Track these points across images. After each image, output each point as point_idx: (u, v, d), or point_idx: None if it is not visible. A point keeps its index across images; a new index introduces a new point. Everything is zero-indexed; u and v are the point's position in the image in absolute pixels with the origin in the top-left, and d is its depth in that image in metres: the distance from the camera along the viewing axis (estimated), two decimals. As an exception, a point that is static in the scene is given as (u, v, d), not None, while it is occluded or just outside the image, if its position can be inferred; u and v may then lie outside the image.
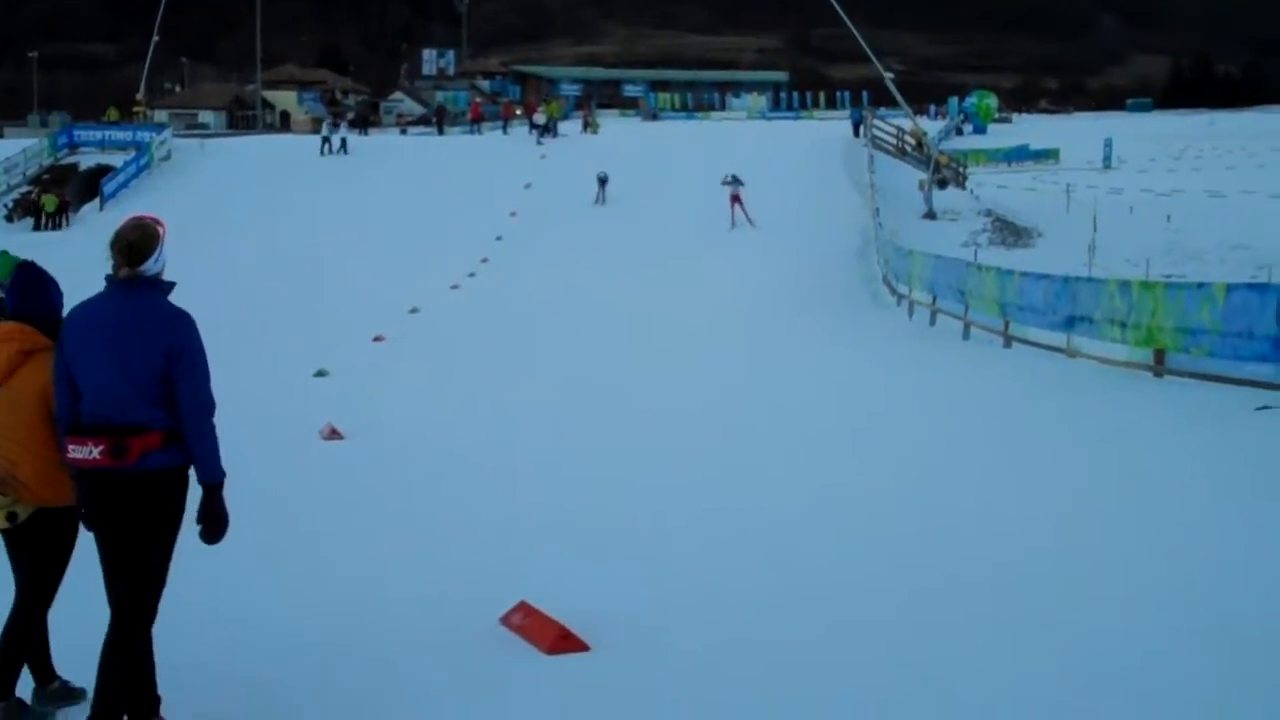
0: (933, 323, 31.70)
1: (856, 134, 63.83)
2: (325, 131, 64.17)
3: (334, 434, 16.13)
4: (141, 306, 6.00)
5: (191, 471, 6.05)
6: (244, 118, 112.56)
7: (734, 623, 8.11)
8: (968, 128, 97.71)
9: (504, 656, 7.48)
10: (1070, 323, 22.68)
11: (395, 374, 21.55)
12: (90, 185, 59.39)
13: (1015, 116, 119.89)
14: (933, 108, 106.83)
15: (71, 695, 6.72)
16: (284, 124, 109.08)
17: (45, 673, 6.76)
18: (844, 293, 37.76)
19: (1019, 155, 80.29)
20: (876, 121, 63.07)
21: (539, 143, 63.73)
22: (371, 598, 6.71)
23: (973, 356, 24.46)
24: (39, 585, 6.56)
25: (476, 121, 77.95)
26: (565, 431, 16.21)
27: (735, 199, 46.87)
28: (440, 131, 75.99)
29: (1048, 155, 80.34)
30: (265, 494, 10.15)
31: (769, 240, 38.98)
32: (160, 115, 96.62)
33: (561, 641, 7.57)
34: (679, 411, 17.91)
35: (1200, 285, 19.64)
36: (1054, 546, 9.80)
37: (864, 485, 12.31)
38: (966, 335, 28.25)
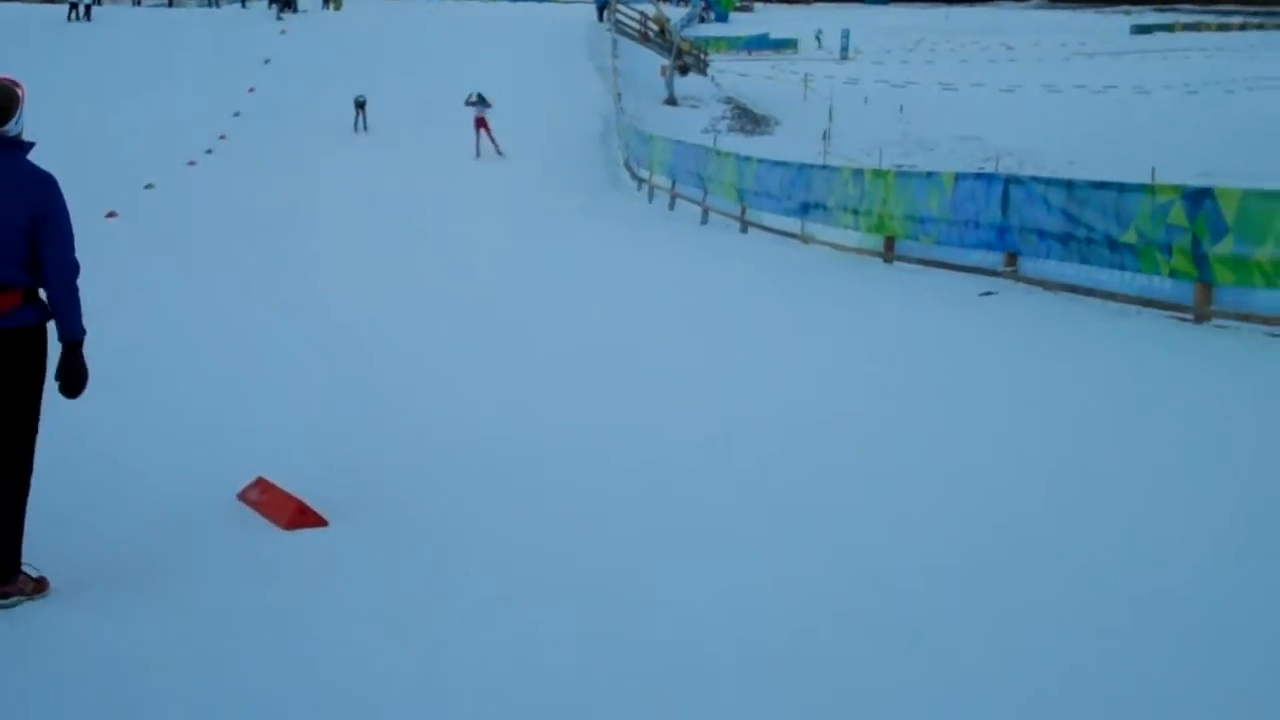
0: (672, 207, 32.05)
1: (601, 18, 63.65)
2: None
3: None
4: (6, 168, 6.07)
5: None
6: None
7: (471, 495, 8.19)
8: (710, 15, 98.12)
9: (241, 532, 7.42)
10: (805, 209, 23.15)
11: (129, 253, 21.02)
12: None
13: (756, 6, 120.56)
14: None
15: None
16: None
17: None
18: (586, 176, 37.86)
19: (759, 44, 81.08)
20: (620, 6, 62.99)
21: (279, 18, 62.23)
22: (106, 471, 6.61)
23: (711, 240, 24.85)
24: None
25: (215, -5, 75.82)
26: (314, 309, 15.98)
27: (481, 123, 41.01)
28: (170, 3, 73.64)
29: (787, 45, 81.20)
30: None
31: (514, 123, 38.76)
32: None
33: (299, 517, 7.52)
34: (429, 284, 17.84)
35: (929, 174, 20.20)
36: (786, 418, 10.05)
37: (605, 368, 12.47)
38: (705, 220, 28.64)
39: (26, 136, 6.28)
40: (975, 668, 5.50)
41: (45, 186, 6.13)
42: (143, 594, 6.47)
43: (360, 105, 43.50)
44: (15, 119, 6.16)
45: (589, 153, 41.28)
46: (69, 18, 60.54)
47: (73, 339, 6.22)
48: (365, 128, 42.98)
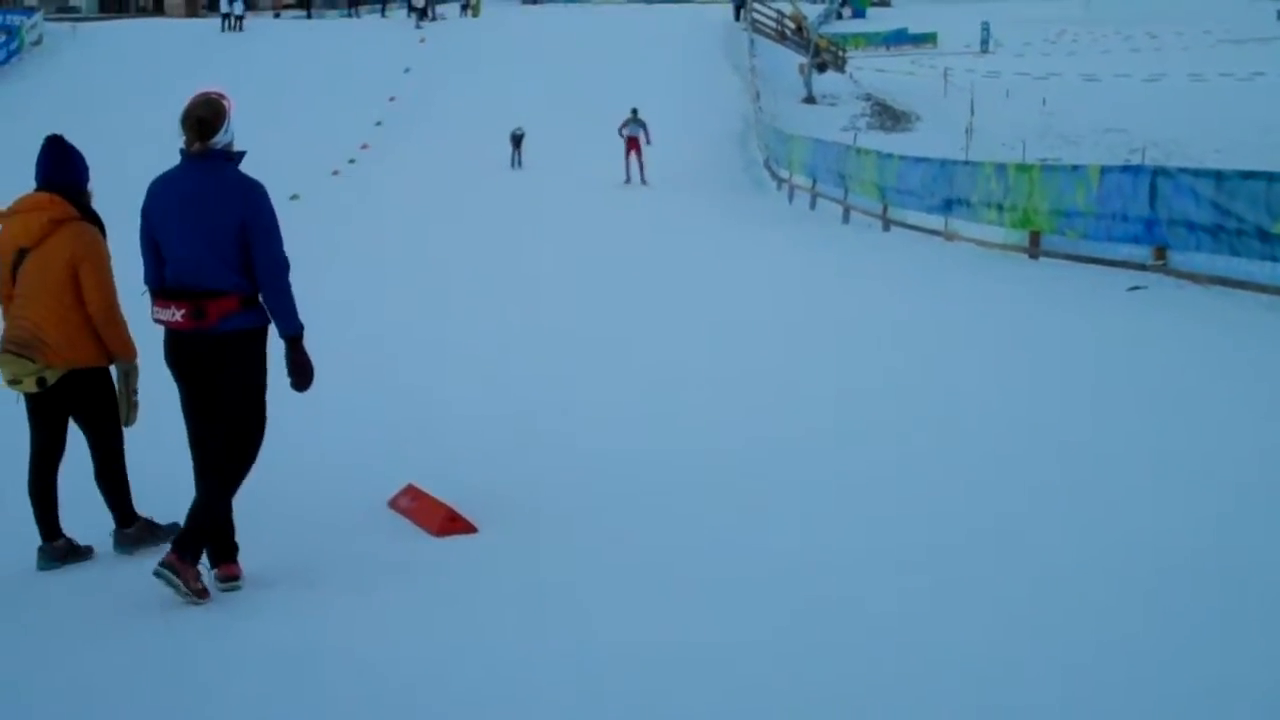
0: (813, 206, 31.94)
1: (737, 18, 63.49)
2: (224, 7, 63.38)
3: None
4: (216, 178, 6.43)
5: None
6: (116, 1, 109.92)
7: (620, 501, 8.22)
8: (847, 12, 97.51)
9: (392, 539, 7.53)
10: (948, 206, 22.96)
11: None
12: (-40, 71, 57.98)
13: (894, 0, 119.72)
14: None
15: (77, 553, 7.26)
16: (157, 7, 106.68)
17: (52, 530, 7.22)
18: (726, 177, 37.89)
19: (898, 39, 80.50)
20: (757, 5, 62.82)
21: (418, 26, 62.84)
22: (258, 481, 6.74)
23: (853, 239, 24.73)
24: (105, 437, 7.17)
25: (355, 4, 76.71)
26: (453, 317, 16.14)
27: (633, 145, 37.68)
28: (308, 15, 74.68)
29: (926, 39, 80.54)
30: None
31: (654, 126, 38.84)
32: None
33: (449, 523, 7.61)
34: (573, 290, 17.92)
35: (1075, 168, 19.93)
36: (935, 418, 9.99)
37: (757, 370, 12.45)
38: (846, 219, 28.51)
39: (236, 146, 6.56)
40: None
41: (253, 192, 6.44)
42: (300, 595, 6.61)
43: (517, 141, 40.71)
44: (223, 131, 6.46)
45: (729, 153, 41.28)
46: (222, 28, 62.23)
47: (292, 334, 6.51)
48: (520, 164, 40.47)
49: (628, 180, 37.28)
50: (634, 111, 37.99)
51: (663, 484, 8.55)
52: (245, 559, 6.73)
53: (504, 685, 5.47)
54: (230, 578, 6.62)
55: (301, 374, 6.56)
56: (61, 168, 7.15)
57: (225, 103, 6.53)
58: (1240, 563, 6.60)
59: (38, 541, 7.21)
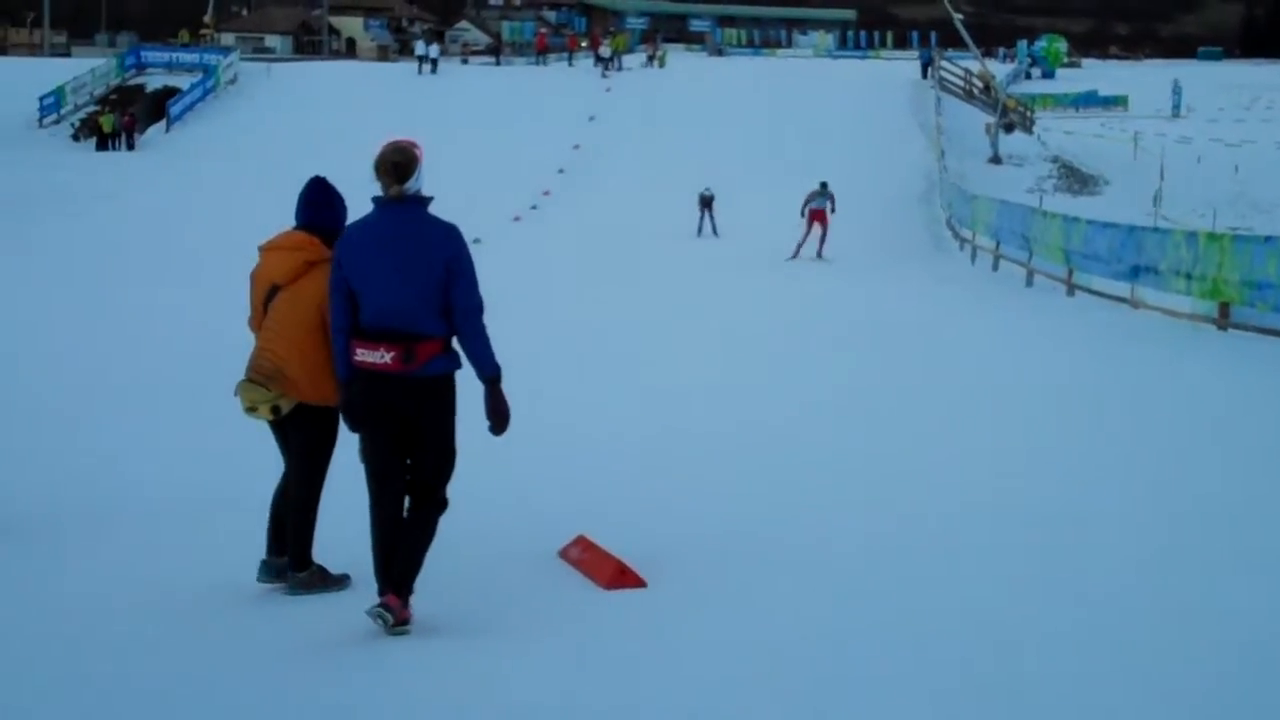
0: (995, 268, 31.60)
1: (924, 75, 63.33)
2: (420, 50, 65.09)
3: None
4: (416, 222, 6.61)
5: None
6: (310, 43, 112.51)
7: (791, 559, 8.13)
8: (1036, 72, 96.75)
9: (562, 591, 7.52)
10: (1135, 273, 22.54)
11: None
12: (157, 107, 59.64)
13: (1084, 62, 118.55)
14: (1001, 51, 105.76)
15: (329, 581, 7.51)
16: (349, 50, 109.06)
17: (292, 557, 7.46)
18: (907, 236, 37.66)
19: (1087, 101, 79.48)
20: (944, 63, 62.56)
21: (604, 75, 63.47)
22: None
23: (1035, 304, 24.38)
24: (307, 476, 7.36)
25: (542, 53, 77.70)
26: (627, 368, 16.20)
27: (818, 217, 34.97)
28: (497, 62, 75.80)
29: (1116, 102, 79.46)
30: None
31: (836, 181, 38.77)
32: (227, 38, 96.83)
33: (620, 577, 7.59)
34: (744, 344, 17.87)
35: (1268, 239, 19.47)
36: (1111, 494, 9.76)
37: (929, 430, 12.31)
38: (1030, 282, 28.14)
39: (425, 192, 6.70)
40: None
41: (452, 236, 6.60)
42: (466, 644, 6.62)
43: (707, 203, 38.76)
44: (415, 177, 6.60)
45: (911, 212, 41.06)
46: (418, 71, 64.41)
47: (491, 375, 6.65)
48: (715, 231, 38.41)
49: (796, 255, 34.08)
50: (823, 185, 35.32)
51: (840, 549, 8.45)
52: (414, 603, 6.75)
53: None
54: (401, 622, 6.64)
55: (499, 416, 6.69)
56: (322, 210, 7.39)
57: (416, 150, 6.68)
58: None
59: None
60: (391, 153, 6.61)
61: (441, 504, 6.81)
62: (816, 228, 34.72)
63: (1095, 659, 6.29)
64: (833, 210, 35.09)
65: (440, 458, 6.74)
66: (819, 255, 34.18)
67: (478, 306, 6.58)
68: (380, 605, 6.58)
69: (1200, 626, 6.79)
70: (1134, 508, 9.41)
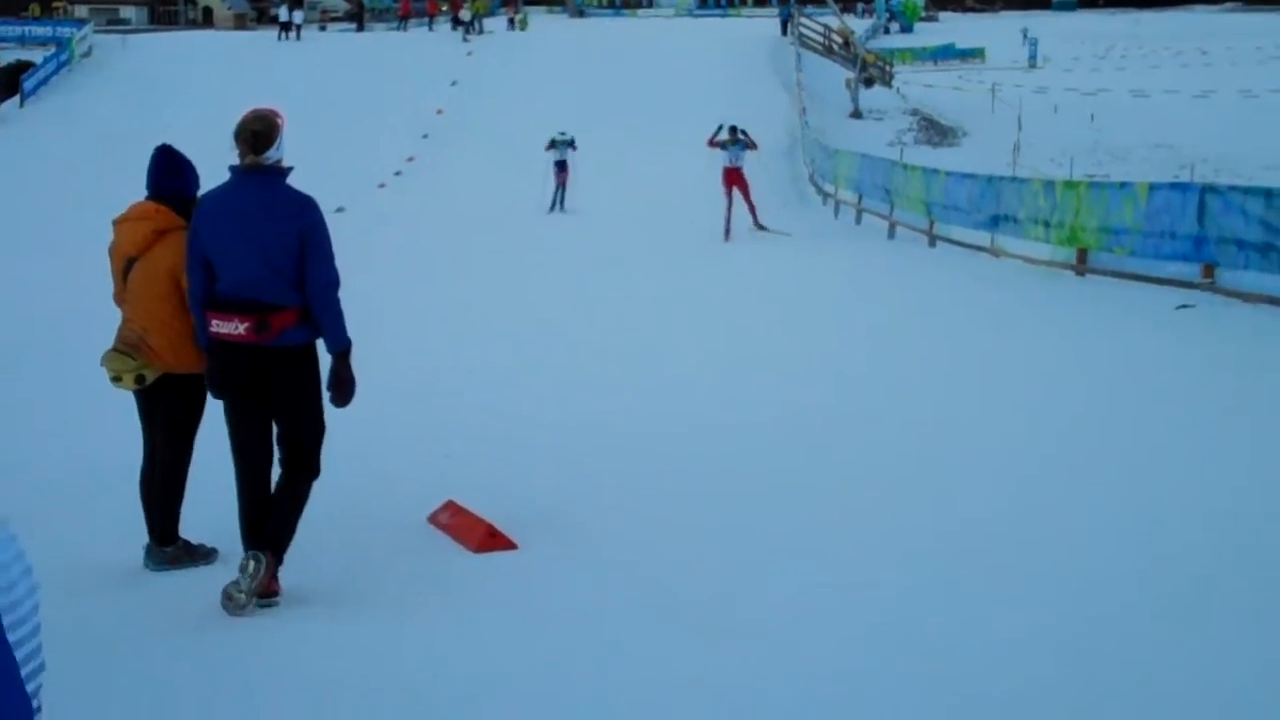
0: (858, 221, 31.84)
1: (784, 32, 63.47)
2: (283, 16, 64.28)
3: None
4: (271, 192, 6.54)
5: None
6: (166, 13, 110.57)
7: (663, 517, 8.18)
8: (894, 26, 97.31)
9: (432, 555, 7.53)
10: (995, 222, 22.82)
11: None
12: (10, 82, 58.34)
13: (941, 15, 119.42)
14: (860, 6, 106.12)
15: (193, 555, 7.47)
16: (206, 20, 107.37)
17: (161, 533, 7.43)
18: (771, 191, 37.71)
19: (945, 54, 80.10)
20: (804, 20, 62.78)
21: (465, 39, 63.01)
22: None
23: (899, 255, 24.59)
24: (174, 445, 7.34)
25: (405, 18, 76.98)
26: (495, 332, 16.16)
27: (734, 179, 29.09)
28: (360, 28, 75.06)
29: (973, 54, 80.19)
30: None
31: (698, 137, 38.75)
32: (80, 10, 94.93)
33: (489, 540, 7.62)
34: (616, 310, 17.88)
35: (1123, 185, 19.76)
36: (983, 440, 9.92)
37: (800, 391, 12.40)
38: (892, 234, 28.38)
39: (286, 162, 6.66)
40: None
41: (307, 208, 6.54)
42: (337, 613, 6.62)
43: (561, 166, 34.95)
44: (275, 147, 6.55)
45: (775, 167, 41.11)
46: (279, 37, 63.51)
47: (340, 349, 6.66)
48: (562, 205, 34.82)
49: (727, 236, 28.33)
50: (734, 132, 29.38)
51: (706, 501, 8.52)
52: (282, 575, 6.72)
53: (540, 705, 5.44)
54: (269, 594, 6.61)
55: (344, 389, 6.70)
56: (169, 177, 7.38)
57: (278, 119, 6.63)
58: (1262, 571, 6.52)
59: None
60: (251, 120, 6.57)
61: (313, 471, 6.79)
62: (736, 192, 28.94)
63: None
64: (752, 148, 29.56)
65: (306, 426, 6.72)
66: (756, 226, 28.76)
67: (332, 281, 6.56)
68: (250, 554, 6.57)
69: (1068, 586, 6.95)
70: (1004, 420, 9.59)
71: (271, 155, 6.53)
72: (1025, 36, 77.60)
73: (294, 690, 5.70)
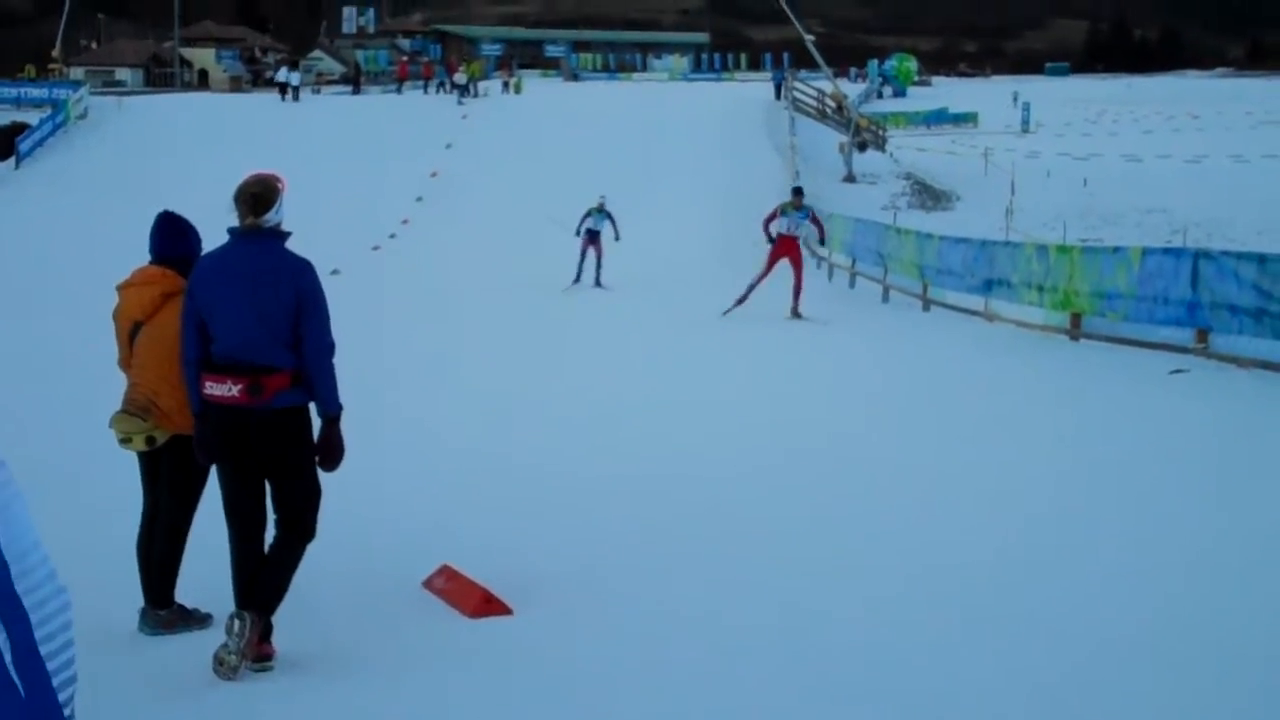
0: (852, 285, 31.90)
1: (778, 96, 63.89)
2: (282, 77, 64.87)
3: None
4: (269, 255, 6.54)
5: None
6: (161, 75, 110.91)
7: (661, 586, 8.16)
8: (887, 90, 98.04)
9: (427, 621, 7.48)
10: (988, 286, 22.87)
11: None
12: (5, 143, 58.51)
13: (934, 79, 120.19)
14: (853, 70, 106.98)
15: (188, 619, 7.39)
16: (202, 82, 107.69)
17: (156, 596, 7.37)
18: (765, 254, 37.79)
19: (938, 118, 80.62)
20: (797, 84, 63.15)
21: (460, 102, 63.32)
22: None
23: (892, 319, 24.63)
24: (179, 507, 7.29)
25: (402, 80, 77.39)
26: (489, 392, 16.16)
27: (787, 249, 24.43)
28: (355, 91, 75.40)
29: (966, 119, 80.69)
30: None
31: (693, 200, 38.92)
32: (76, 72, 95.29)
33: (485, 605, 7.57)
34: (608, 373, 17.88)
35: (1116, 249, 19.83)
36: (974, 501, 9.90)
37: (796, 450, 12.40)
38: (886, 298, 28.44)
39: (285, 226, 6.66)
40: None
41: (304, 271, 6.54)
42: (333, 678, 6.58)
43: (594, 237, 31.32)
44: (274, 210, 6.55)
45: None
46: (282, 98, 65.13)
47: (332, 414, 6.63)
48: (598, 279, 31.26)
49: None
50: (798, 194, 25.91)
51: (700, 564, 8.50)
52: (276, 638, 6.69)
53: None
54: (264, 658, 6.57)
55: (333, 454, 6.68)
56: (174, 241, 7.38)
57: (278, 183, 6.66)
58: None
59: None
60: (251, 184, 6.60)
61: (308, 533, 6.77)
62: (784, 266, 24.14)
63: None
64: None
65: (300, 489, 6.70)
66: (794, 312, 23.87)
67: (328, 346, 6.56)
68: (236, 613, 6.55)
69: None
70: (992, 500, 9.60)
71: (271, 218, 6.54)
72: (1016, 100, 78.08)
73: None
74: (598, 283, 31.01)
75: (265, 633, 6.64)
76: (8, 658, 1.92)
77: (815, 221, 23.86)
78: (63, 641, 1.95)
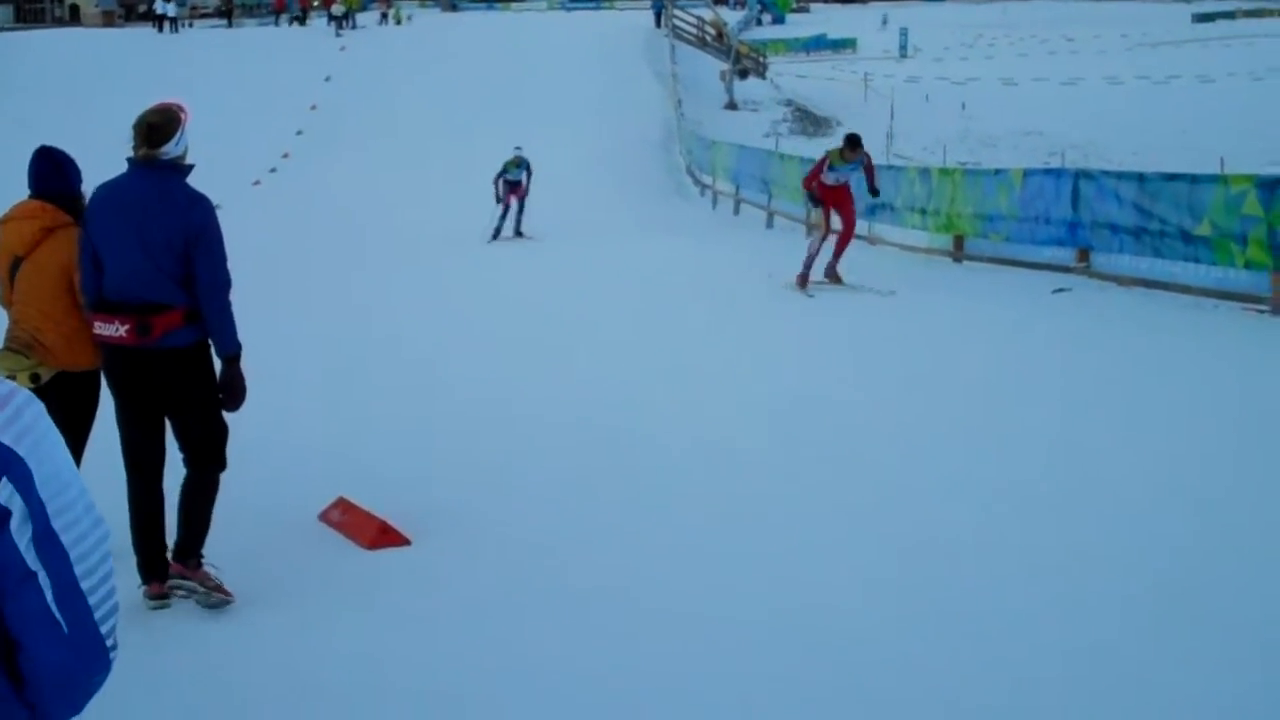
0: (737, 212, 31.99)
1: (658, 24, 63.61)
2: (160, 8, 63.80)
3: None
4: (161, 188, 6.29)
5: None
6: (32, 11, 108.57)
7: (556, 508, 8.20)
8: (766, 18, 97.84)
9: (324, 553, 7.46)
10: (872, 211, 22.99)
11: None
12: None
13: (813, 6, 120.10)
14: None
15: None
16: (73, 17, 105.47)
17: None
18: (649, 183, 37.80)
19: (817, 45, 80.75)
20: (677, 12, 62.95)
21: (338, 34, 62.49)
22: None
23: (777, 245, 24.69)
24: (68, 443, 6.74)
25: (279, 12, 76.12)
26: (385, 325, 16.07)
27: (840, 195, 18.63)
28: (229, 24, 74.20)
29: (845, 44, 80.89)
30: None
31: (575, 132, 38.77)
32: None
33: (382, 536, 7.56)
34: (499, 303, 17.83)
35: (998, 171, 20.07)
36: (864, 422, 10.02)
37: (680, 361, 12.45)
38: (770, 224, 28.54)
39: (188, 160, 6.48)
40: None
41: (197, 206, 6.33)
42: (227, 612, 6.54)
43: (514, 186, 28.99)
44: (175, 141, 6.35)
45: (651, 160, 41.23)
46: (159, 29, 64.24)
47: (229, 353, 6.43)
48: (518, 229, 29.02)
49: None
50: (853, 142, 18.48)
51: (597, 492, 8.54)
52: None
53: (433, 701, 5.45)
54: (161, 596, 6.52)
55: (235, 395, 6.53)
56: (53, 176, 7.22)
57: (181, 114, 6.45)
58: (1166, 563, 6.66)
59: None
60: (150, 114, 6.39)
61: (219, 463, 6.66)
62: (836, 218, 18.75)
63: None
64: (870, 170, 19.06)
65: (204, 426, 6.56)
66: (832, 273, 18.51)
67: (223, 282, 6.36)
68: (175, 579, 6.51)
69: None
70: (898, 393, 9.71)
71: (170, 150, 6.30)
72: (886, 23, 78.37)
73: (182, 689, 5.64)
74: (518, 232, 29.13)
75: (163, 570, 6.59)
76: (49, 596, 2.00)
77: (869, 170, 18.93)
78: (103, 574, 2.02)
